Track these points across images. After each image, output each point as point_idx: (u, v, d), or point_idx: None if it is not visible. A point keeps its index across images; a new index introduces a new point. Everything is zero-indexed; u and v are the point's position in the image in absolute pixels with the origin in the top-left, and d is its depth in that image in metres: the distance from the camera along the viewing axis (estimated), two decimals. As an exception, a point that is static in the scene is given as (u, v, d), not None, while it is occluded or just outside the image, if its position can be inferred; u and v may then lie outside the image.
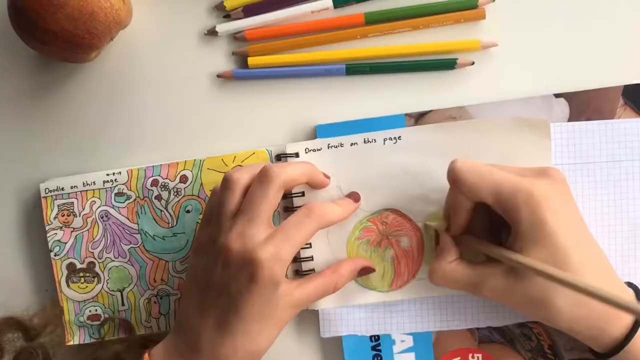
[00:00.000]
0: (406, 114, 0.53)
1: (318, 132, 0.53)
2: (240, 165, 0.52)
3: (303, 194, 0.52)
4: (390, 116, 0.53)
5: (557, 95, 0.52)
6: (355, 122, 0.53)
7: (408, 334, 0.53)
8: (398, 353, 0.53)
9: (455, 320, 0.52)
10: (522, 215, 0.43)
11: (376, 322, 0.53)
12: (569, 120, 0.52)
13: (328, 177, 0.51)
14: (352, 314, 0.53)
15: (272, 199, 0.46)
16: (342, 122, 0.53)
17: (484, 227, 0.48)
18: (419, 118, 0.53)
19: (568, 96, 0.52)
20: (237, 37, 0.53)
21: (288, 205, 0.53)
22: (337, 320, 0.53)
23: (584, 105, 0.52)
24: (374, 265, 0.51)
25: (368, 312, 0.53)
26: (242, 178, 0.47)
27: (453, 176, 0.46)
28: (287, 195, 0.52)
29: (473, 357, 0.53)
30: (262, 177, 0.46)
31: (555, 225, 0.43)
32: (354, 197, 0.51)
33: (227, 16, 0.54)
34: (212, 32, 0.53)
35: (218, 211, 0.47)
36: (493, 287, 0.45)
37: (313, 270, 0.52)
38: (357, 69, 0.53)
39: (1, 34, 0.53)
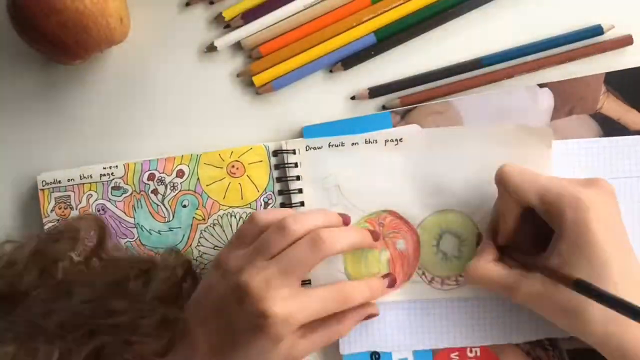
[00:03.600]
0: (392, 111, 0.52)
1: (304, 133, 0.52)
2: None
3: (300, 190, 0.52)
4: (375, 114, 0.52)
5: (541, 85, 0.51)
6: (341, 121, 0.52)
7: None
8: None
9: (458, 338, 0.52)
10: (567, 218, 0.43)
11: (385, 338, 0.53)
12: (554, 110, 0.51)
13: (377, 240, 0.51)
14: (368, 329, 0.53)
15: (313, 264, 0.45)
16: (328, 122, 0.52)
17: (530, 238, 0.48)
18: (405, 115, 0.52)
19: (552, 86, 0.51)
20: (252, 55, 0.53)
21: (285, 202, 0.52)
22: (356, 337, 0.52)
23: (569, 95, 0.51)
24: (377, 311, 0.50)
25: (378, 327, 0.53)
26: (299, 231, 0.46)
27: (500, 177, 0.46)
28: (284, 192, 0.52)
29: (471, 351, 0.53)
30: (315, 242, 0.45)
31: (599, 233, 0.42)
32: (391, 279, 0.51)
33: (227, 26, 0.53)
34: (211, 49, 0.53)
35: (258, 247, 0.45)
36: (529, 292, 0.45)
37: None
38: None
39: (2, 30, 0.52)
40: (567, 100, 0.51)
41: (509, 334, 0.51)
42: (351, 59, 0.52)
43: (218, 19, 0.53)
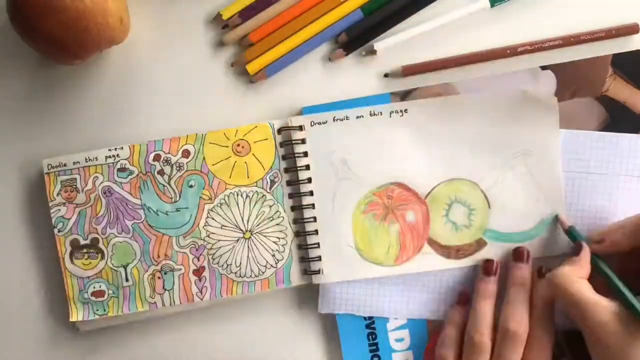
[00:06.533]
0: (391, 93, 0.52)
1: (304, 113, 0.52)
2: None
3: (308, 167, 0.52)
4: (375, 96, 0.52)
5: (543, 68, 0.51)
6: (341, 102, 0.52)
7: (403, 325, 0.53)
8: (392, 330, 0.53)
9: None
10: None
11: (372, 303, 0.52)
12: (556, 93, 0.51)
13: None
14: (350, 292, 0.52)
15: None
16: (328, 103, 0.52)
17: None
18: (405, 96, 0.52)
19: (554, 68, 0.51)
20: (242, 43, 0.53)
21: (292, 179, 0.52)
22: (335, 298, 0.52)
23: (571, 78, 0.51)
24: None
25: (366, 291, 0.52)
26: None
27: None
28: (291, 169, 0.52)
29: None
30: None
31: None
32: None
33: (226, 26, 0.53)
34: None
35: None
36: (599, 323, 0.43)
37: (317, 244, 0.51)
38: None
39: (2, 30, 0.53)
40: (570, 82, 0.51)
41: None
42: (352, 43, 0.52)
43: (217, 18, 0.53)
